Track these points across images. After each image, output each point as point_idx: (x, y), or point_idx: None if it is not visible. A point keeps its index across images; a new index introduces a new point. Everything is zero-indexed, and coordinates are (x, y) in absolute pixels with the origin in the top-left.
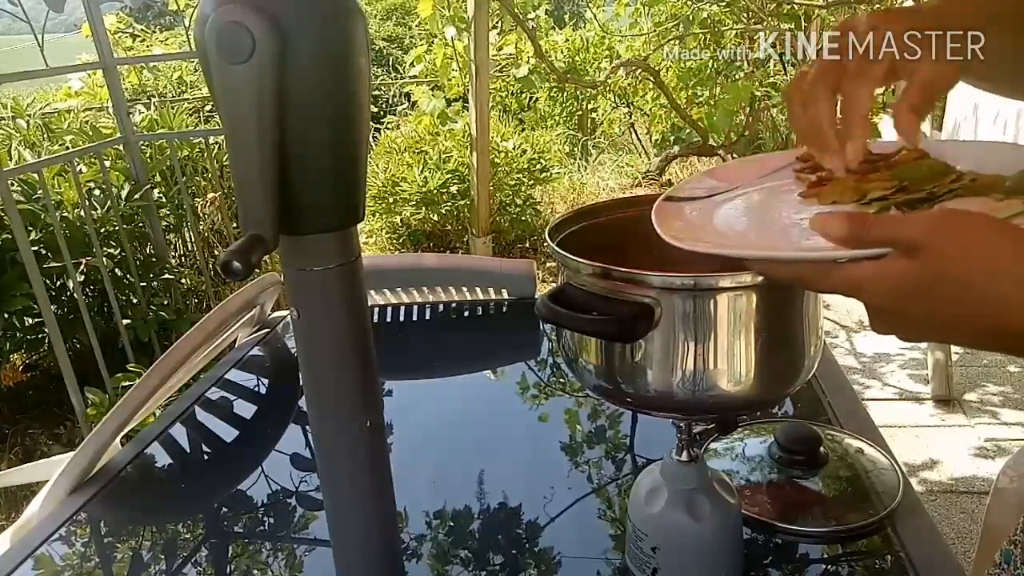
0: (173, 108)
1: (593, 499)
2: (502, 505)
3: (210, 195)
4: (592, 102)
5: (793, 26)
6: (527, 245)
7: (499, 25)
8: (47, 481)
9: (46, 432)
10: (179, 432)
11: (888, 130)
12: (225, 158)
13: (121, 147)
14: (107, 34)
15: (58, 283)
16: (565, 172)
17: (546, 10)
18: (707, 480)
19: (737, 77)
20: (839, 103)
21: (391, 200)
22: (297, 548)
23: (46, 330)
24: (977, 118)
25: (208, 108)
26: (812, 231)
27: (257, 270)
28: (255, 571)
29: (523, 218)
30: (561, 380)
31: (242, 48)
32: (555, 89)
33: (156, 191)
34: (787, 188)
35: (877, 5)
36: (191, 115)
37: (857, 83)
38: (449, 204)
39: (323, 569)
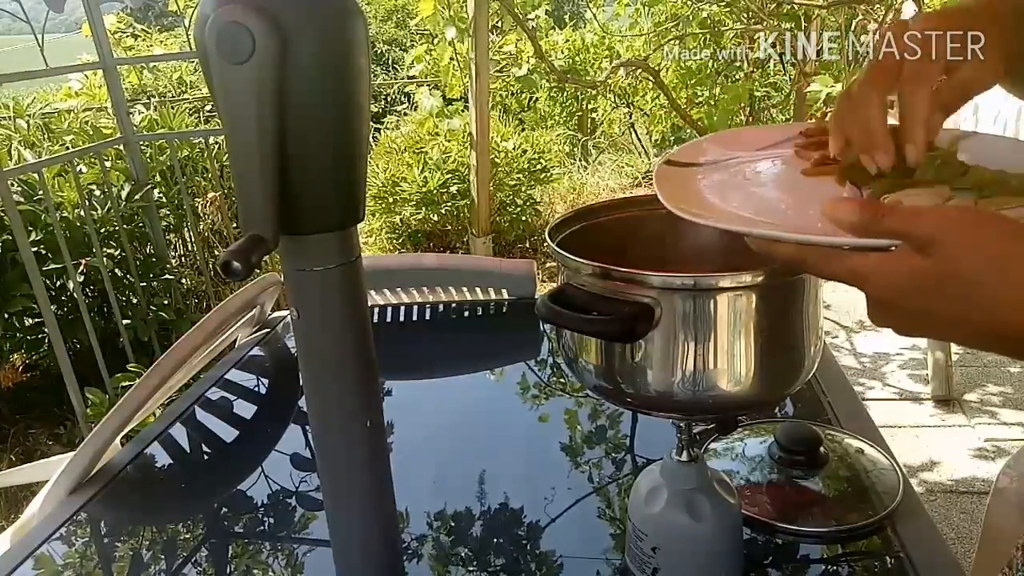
0: (173, 108)
1: (593, 499)
2: (502, 505)
3: (210, 195)
4: (592, 102)
5: (793, 26)
6: (527, 245)
7: (499, 25)
8: (47, 481)
9: (46, 432)
10: (179, 432)
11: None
12: (225, 158)
13: (121, 147)
14: (107, 34)
15: (58, 283)
16: (565, 172)
17: (546, 10)
18: (707, 480)
19: (737, 77)
20: (894, 105)
21: (391, 200)
22: (297, 548)
23: (46, 330)
24: (977, 118)
25: (208, 108)
26: (819, 213)
27: (257, 270)
28: (255, 571)
29: (523, 218)
30: (561, 380)
31: (242, 48)
32: (555, 89)
33: (156, 191)
34: (794, 163)
35: (877, 5)
36: (191, 115)
37: (916, 85)
38: (449, 204)
39: (323, 569)
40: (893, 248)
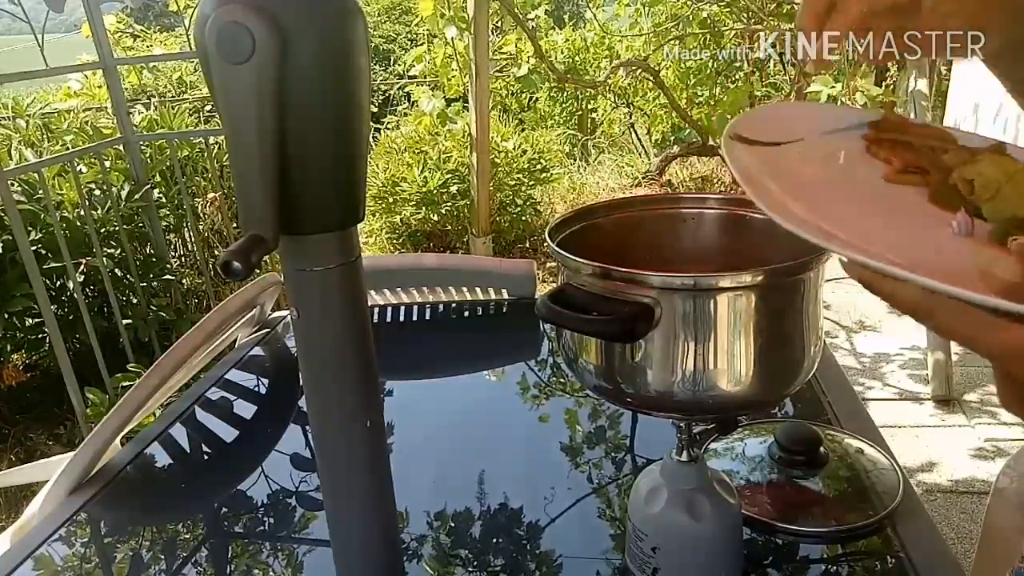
0: (173, 108)
1: (593, 499)
2: (502, 505)
3: (210, 195)
4: (592, 102)
5: (793, 26)
6: (527, 245)
7: (499, 25)
8: (47, 481)
9: (46, 432)
10: (179, 432)
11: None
12: (225, 158)
13: (121, 147)
14: (107, 34)
15: (58, 283)
16: (565, 172)
17: (546, 10)
18: (707, 480)
19: (737, 77)
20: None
21: (391, 200)
22: (297, 548)
23: (46, 330)
24: (977, 118)
25: (208, 108)
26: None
27: (257, 270)
28: (255, 571)
29: (523, 218)
30: (561, 380)
31: (242, 48)
32: (555, 89)
33: (156, 191)
34: (869, 161)
35: None
36: (191, 115)
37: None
38: (449, 204)
39: (323, 569)
40: None
